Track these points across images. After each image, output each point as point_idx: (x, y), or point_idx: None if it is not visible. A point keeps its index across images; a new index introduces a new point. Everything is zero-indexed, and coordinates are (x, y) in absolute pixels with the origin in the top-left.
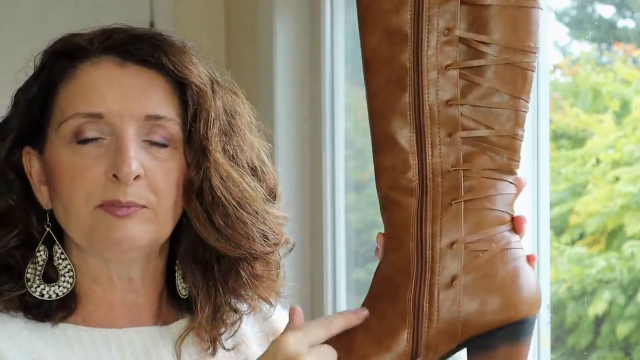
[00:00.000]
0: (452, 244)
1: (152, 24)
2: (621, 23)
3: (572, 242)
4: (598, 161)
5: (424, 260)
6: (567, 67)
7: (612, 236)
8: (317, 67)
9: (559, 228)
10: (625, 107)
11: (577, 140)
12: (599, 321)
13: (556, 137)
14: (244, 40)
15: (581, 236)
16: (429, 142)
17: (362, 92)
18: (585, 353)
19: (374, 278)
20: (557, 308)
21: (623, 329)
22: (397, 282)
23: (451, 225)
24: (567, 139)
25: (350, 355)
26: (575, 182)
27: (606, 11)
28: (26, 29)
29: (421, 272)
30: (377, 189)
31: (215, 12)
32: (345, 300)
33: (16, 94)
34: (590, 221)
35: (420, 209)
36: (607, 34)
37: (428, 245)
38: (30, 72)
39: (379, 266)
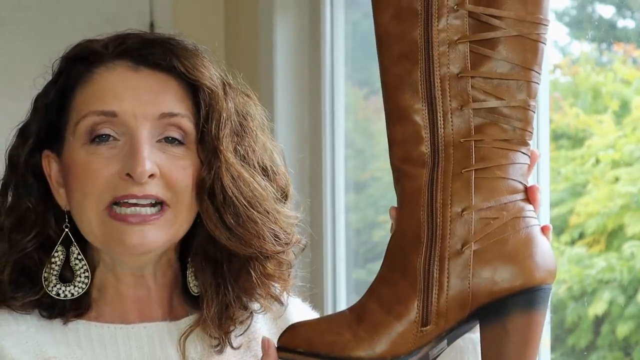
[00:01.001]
0: (463, 211)
1: (152, 24)
2: (621, 23)
3: (572, 242)
4: (598, 161)
5: (434, 227)
6: (567, 67)
7: (612, 236)
8: (317, 67)
9: (558, 228)
10: (625, 107)
11: (577, 140)
12: (599, 321)
13: (556, 137)
14: (244, 40)
15: (581, 236)
16: (441, 115)
17: (362, 92)
18: (585, 353)
19: (386, 249)
20: (557, 308)
21: (623, 329)
22: (407, 251)
23: (462, 193)
24: (567, 139)
25: (361, 324)
26: (575, 182)
27: (606, 11)
28: (28, 31)
29: (431, 240)
30: (390, 162)
31: (215, 12)
32: (345, 300)
33: (35, 99)
34: (590, 221)
35: (431, 179)
36: (607, 34)
37: (439, 212)
38: (49, 77)
39: (391, 238)
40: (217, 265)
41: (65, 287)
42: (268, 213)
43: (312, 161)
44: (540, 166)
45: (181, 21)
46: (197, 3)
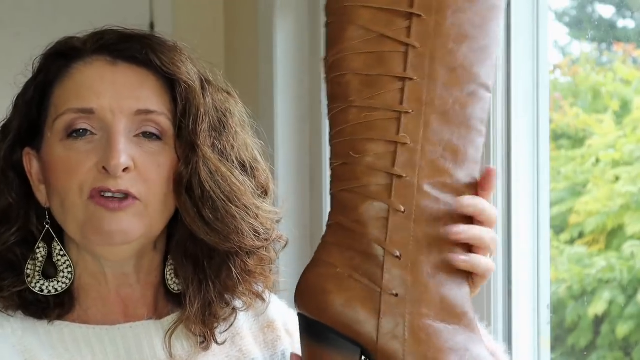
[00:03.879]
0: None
1: (152, 25)
2: (621, 23)
3: (572, 242)
4: (598, 161)
5: None
6: (567, 67)
7: (612, 236)
8: (317, 67)
9: (558, 227)
10: (625, 107)
11: (577, 140)
12: (598, 321)
13: (556, 137)
14: (244, 41)
15: (581, 235)
16: None
17: None
18: (585, 353)
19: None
20: (557, 308)
21: (623, 329)
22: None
23: None
24: (567, 139)
25: None
26: (575, 182)
27: (606, 11)
28: (28, 31)
29: None
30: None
31: (215, 13)
32: None
33: (16, 97)
34: (589, 220)
35: None
36: (607, 34)
37: None
38: (29, 75)
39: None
40: (197, 261)
41: (49, 282)
42: (247, 208)
43: (312, 161)
44: (540, 166)
45: (181, 21)
46: (197, 3)
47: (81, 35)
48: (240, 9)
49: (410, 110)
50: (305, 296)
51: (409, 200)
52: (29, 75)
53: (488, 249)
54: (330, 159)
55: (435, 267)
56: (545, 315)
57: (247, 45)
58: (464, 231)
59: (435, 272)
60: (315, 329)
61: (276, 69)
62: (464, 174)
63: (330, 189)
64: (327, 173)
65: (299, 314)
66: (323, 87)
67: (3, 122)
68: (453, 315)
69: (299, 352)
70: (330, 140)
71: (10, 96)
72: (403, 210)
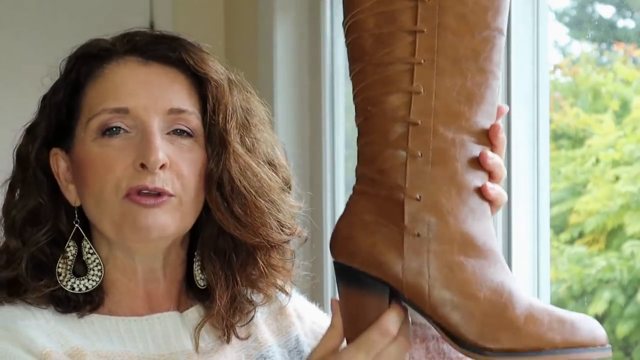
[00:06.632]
0: None
1: (152, 25)
2: (621, 23)
3: (572, 241)
4: (598, 161)
5: None
6: (567, 67)
7: (612, 235)
8: (317, 67)
9: (559, 227)
10: (625, 107)
11: (577, 140)
12: (598, 320)
13: (556, 137)
14: (244, 40)
15: (581, 235)
16: None
17: None
18: None
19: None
20: (557, 307)
21: (623, 329)
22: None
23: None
24: (567, 139)
25: None
26: (575, 182)
27: (606, 11)
28: (28, 31)
29: None
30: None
31: (215, 12)
32: None
33: (43, 98)
34: (589, 220)
35: None
36: (607, 34)
37: None
38: (55, 78)
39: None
40: (225, 256)
41: (80, 280)
42: (274, 202)
43: (312, 161)
44: (540, 166)
45: (181, 21)
46: (197, 3)
47: (106, 36)
48: (240, 8)
49: (422, 61)
50: (337, 244)
51: (426, 145)
52: (55, 77)
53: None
54: (355, 118)
55: (454, 206)
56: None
57: (247, 45)
58: (491, 157)
59: (455, 210)
60: (348, 274)
61: (276, 69)
62: (481, 116)
63: (357, 145)
64: (327, 173)
65: (334, 262)
66: (323, 87)
67: (29, 124)
68: (475, 249)
69: (309, 336)
70: (353, 99)
71: (10, 96)
72: (420, 154)
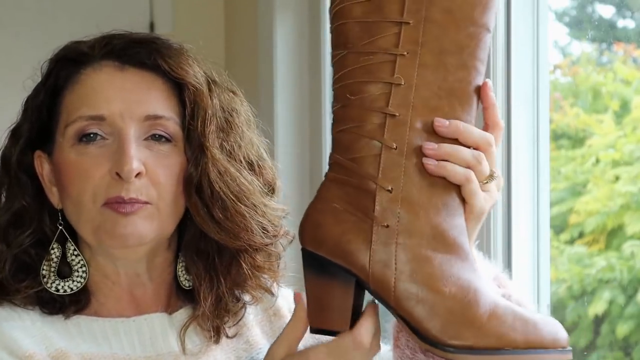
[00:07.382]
0: None
1: (152, 25)
2: (621, 23)
3: (572, 241)
4: (598, 161)
5: None
6: (567, 67)
7: (612, 235)
8: (317, 67)
9: (558, 227)
10: (625, 107)
11: (577, 140)
12: (598, 321)
13: (556, 137)
14: (244, 40)
15: (581, 235)
16: None
17: None
18: (585, 353)
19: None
20: (557, 308)
21: (623, 329)
22: None
23: None
24: (567, 139)
25: None
26: (575, 182)
27: (606, 11)
28: (28, 31)
29: None
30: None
31: (215, 12)
32: None
33: (25, 100)
34: (589, 220)
35: None
36: (607, 34)
37: None
38: (37, 79)
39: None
40: (208, 258)
41: (64, 282)
42: (255, 206)
43: (312, 161)
44: (540, 165)
45: (181, 21)
46: (197, 3)
47: (86, 38)
48: (240, 8)
49: (405, 52)
50: (306, 230)
51: (402, 137)
52: (37, 79)
53: (471, 166)
54: (332, 104)
55: (426, 199)
56: (545, 314)
57: (247, 45)
58: (434, 148)
59: (426, 204)
60: (315, 262)
61: (276, 69)
62: (460, 112)
63: (332, 132)
64: None
65: (302, 249)
66: (323, 87)
67: (13, 126)
68: (445, 244)
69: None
70: (333, 85)
71: (10, 96)
72: (395, 147)
